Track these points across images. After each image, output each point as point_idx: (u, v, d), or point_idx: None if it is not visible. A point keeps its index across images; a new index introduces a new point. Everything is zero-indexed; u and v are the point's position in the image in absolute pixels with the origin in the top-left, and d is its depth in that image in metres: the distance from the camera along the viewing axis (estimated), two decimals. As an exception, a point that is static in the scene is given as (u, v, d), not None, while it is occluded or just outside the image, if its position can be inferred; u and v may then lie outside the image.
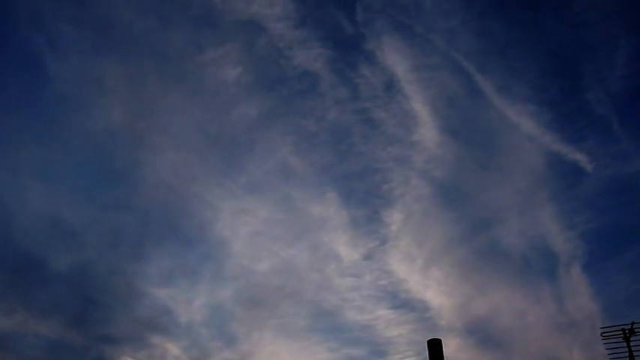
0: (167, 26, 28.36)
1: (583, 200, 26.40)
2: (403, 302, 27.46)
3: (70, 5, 27.94)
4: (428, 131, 27.19)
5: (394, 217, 28.41)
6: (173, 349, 25.56)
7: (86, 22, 28.18)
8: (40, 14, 27.54)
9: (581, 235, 25.82)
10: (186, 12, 28.43)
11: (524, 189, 26.65)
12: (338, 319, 28.18)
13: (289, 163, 29.26)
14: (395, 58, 26.93)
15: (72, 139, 28.82)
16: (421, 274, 27.93)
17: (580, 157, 25.15)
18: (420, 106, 27.25)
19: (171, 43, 28.50)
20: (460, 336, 25.59)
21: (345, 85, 28.25)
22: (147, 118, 29.00)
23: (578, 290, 25.38)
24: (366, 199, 29.23)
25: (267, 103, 29.18)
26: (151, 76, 28.64)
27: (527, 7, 26.23)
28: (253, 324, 27.56)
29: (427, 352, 9.39)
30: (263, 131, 29.34)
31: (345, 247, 28.99)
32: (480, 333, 25.86)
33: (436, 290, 27.56)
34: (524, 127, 25.15)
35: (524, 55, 26.44)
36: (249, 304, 28.25)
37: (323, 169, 30.12)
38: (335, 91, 28.36)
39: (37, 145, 28.22)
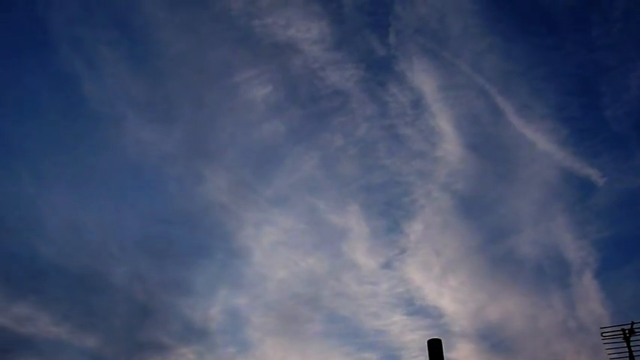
0: (205, 47, 30.30)
1: (595, 211, 27.75)
2: (418, 309, 28.39)
3: (108, 29, 29.76)
4: (451, 146, 28.81)
5: (414, 228, 29.59)
6: (189, 353, 26.45)
7: (124, 44, 29.91)
8: (79, 39, 29.39)
9: (593, 244, 26.93)
10: (225, 34, 30.32)
11: (539, 201, 28.19)
12: (353, 325, 29.05)
13: (315, 176, 30.93)
14: (423, 78, 28.72)
15: (106, 156, 30.82)
16: (437, 281, 28.91)
17: (592, 172, 26.74)
18: (444, 123, 28.98)
19: (207, 63, 30.36)
20: (473, 341, 26.58)
21: (374, 103, 30.11)
22: (177, 134, 30.70)
23: (589, 296, 26.37)
24: (387, 211, 30.62)
25: (297, 119, 31.04)
26: (185, 95, 30.41)
27: (549, 31, 28.21)
28: (268, 329, 28.45)
29: (427, 352, 9.41)
30: (291, 146, 31.11)
31: (364, 257, 30.06)
32: (492, 338, 26.80)
33: (451, 297, 28.49)
34: (540, 144, 26.91)
35: (545, 75, 28.08)
36: (265, 310, 29.20)
37: (347, 181, 31.53)
38: (365, 109, 30.23)
39: (86, 164, 30.41)
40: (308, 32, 29.11)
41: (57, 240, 27.77)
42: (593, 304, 25.84)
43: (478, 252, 29.45)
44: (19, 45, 30.39)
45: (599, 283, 26.67)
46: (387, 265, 29.70)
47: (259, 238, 30.54)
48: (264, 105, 30.66)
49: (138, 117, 30.34)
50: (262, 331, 28.34)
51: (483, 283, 29.52)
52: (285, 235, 30.87)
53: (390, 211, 30.65)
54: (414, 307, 28.61)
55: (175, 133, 30.90)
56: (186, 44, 30.43)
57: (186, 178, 30.70)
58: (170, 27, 29.76)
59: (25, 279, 25.47)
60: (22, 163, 29.68)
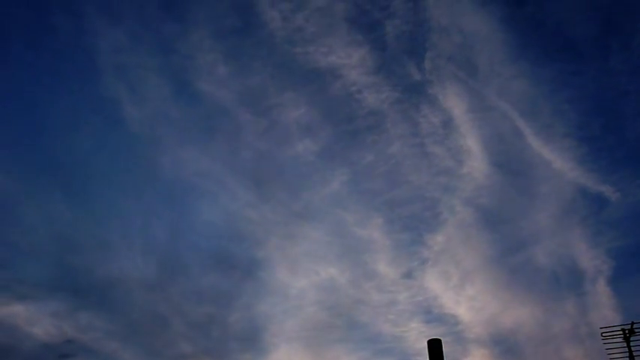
0: (245, 72, 32.57)
1: (608, 223, 29.50)
2: (435, 317, 29.60)
3: (153, 56, 31.97)
4: (477, 164, 31.02)
5: (436, 240, 31.21)
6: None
7: (167, 70, 32.08)
8: (123, 65, 31.42)
9: (607, 252, 28.40)
10: (266, 60, 32.54)
11: (555, 214, 30.25)
12: (371, 331, 30.17)
13: (344, 191, 32.91)
14: (454, 101, 31.18)
15: (144, 175, 33.12)
16: (455, 290, 30.36)
17: (605, 189, 28.75)
18: (472, 142, 31.32)
19: (246, 86, 32.57)
20: (486, 347, 27.85)
21: (407, 123, 32.42)
22: (212, 152, 33.29)
23: (602, 303, 27.43)
24: (411, 224, 32.39)
25: (330, 138, 33.37)
26: (221, 116, 32.75)
27: (573, 58, 30.82)
28: (285, 336, 29.34)
29: (427, 351, 9.41)
30: (323, 163, 33.25)
31: (386, 267, 31.64)
32: (505, 344, 27.99)
33: (467, 305, 29.92)
34: (556, 163, 29.54)
35: (568, 98, 30.34)
36: (283, 317, 30.27)
37: (374, 196, 33.59)
38: (397, 128, 32.62)
39: (127, 182, 32.68)
40: (348, 58, 31.47)
41: (119, 255, 29.98)
42: (606, 310, 26.76)
43: (496, 262, 31.21)
44: (66, 70, 32.55)
45: (612, 290, 27.82)
46: (407, 275, 31.18)
47: (285, 249, 32.37)
48: (297, 125, 32.97)
49: (175, 137, 32.85)
50: (280, 337, 29.26)
51: (499, 292, 31.11)
52: (311, 247, 32.74)
53: (413, 224, 32.40)
54: (432, 315, 29.82)
55: (211, 152, 33.39)
56: (227, 69, 32.59)
57: (220, 194, 33.03)
58: (213, 53, 31.89)
59: (91, 290, 27.80)
60: (93, 184, 32.38)
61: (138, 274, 29.66)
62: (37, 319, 25.74)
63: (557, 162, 29.42)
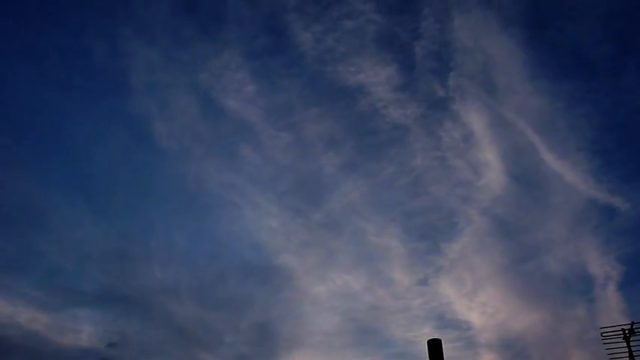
0: (273, 89, 34.08)
1: (619, 231, 30.65)
2: (448, 322, 30.51)
3: (183, 75, 33.64)
4: (495, 175, 32.43)
5: (452, 248, 32.32)
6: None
7: (197, 88, 33.56)
8: (155, 84, 33.57)
9: (617, 259, 29.28)
10: (295, 78, 34.19)
11: (567, 224, 31.60)
12: (384, 335, 31.11)
13: (363, 202, 34.40)
14: (474, 117, 32.98)
15: (169, 186, 35.14)
16: (468, 297, 31.39)
17: (615, 199, 29.99)
18: (490, 155, 32.87)
19: (273, 103, 34.13)
20: (496, 351, 28.97)
21: (430, 137, 34.00)
22: (236, 165, 34.87)
23: (611, 307, 28.31)
24: (428, 233, 33.70)
25: (353, 151, 35.07)
26: (248, 131, 34.34)
27: (588, 76, 32.63)
28: (296, 340, 30.67)
29: (427, 351, 9.94)
30: (346, 174, 34.67)
31: (401, 274, 32.80)
32: (515, 348, 28.84)
33: (479, 311, 30.87)
34: (567, 176, 31.10)
35: (583, 113, 31.79)
36: (296, 322, 31.63)
37: (393, 206, 34.93)
38: (420, 142, 34.16)
39: (157, 194, 34.78)
40: (376, 76, 33.31)
41: (167, 265, 32.03)
42: (615, 314, 27.73)
43: (509, 269, 32.26)
44: (98, 89, 34.63)
45: (621, 294, 28.63)
46: (422, 282, 32.15)
47: (304, 257, 33.82)
48: (321, 139, 34.61)
49: (201, 151, 34.54)
50: (290, 341, 30.45)
51: (511, 298, 32.05)
52: (328, 255, 34.24)
53: (430, 233, 33.68)
54: (444, 321, 30.72)
55: (235, 165, 35.00)
56: (255, 87, 34.12)
57: (244, 205, 34.48)
58: (242, 72, 33.60)
59: (133, 298, 29.67)
60: (117, 195, 34.23)
61: (173, 283, 31.26)
62: (83, 324, 27.66)
63: (570, 175, 30.82)
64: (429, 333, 29.57)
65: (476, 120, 33.12)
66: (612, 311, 27.24)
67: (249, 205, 34.13)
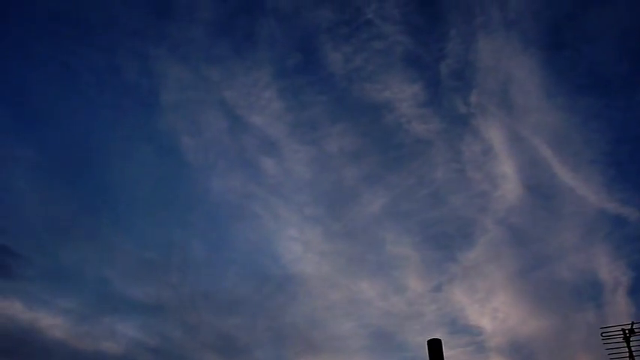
0: (300, 106, 35.62)
1: (629, 238, 31.90)
2: (460, 328, 31.46)
3: (211, 92, 35.08)
4: (511, 187, 34.38)
5: (467, 257, 33.75)
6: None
7: (223, 104, 35.03)
8: (183, 100, 34.85)
9: (627, 264, 30.52)
10: (321, 95, 35.84)
11: (579, 233, 33.31)
12: (397, 340, 32.12)
13: (383, 213, 35.94)
14: (494, 132, 35.30)
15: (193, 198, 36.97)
16: (480, 303, 32.66)
17: (624, 210, 31.41)
18: (507, 168, 34.81)
19: (298, 119, 35.67)
20: (505, 355, 30.15)
21: (450, 151, 35.78)
22: (259, 179, 36.13)
23: (620, 311, 29.19)
24: (444, 242, 35.09)
25: (376, 163, 36.66)
26: (272, 146, 35.78)
27: (602, 93, 34.20)
28: (307, 344, 31.30)
29: (427, 352, 9.29)
30: (367, 186, 36.35)
31: (415, 282, 33.99)
32: (523, 351, 29.97)
33: (490, 317, 32.21)
34: (581, 189, 32.91)
35: (597, 128, 33.57)
36: (307, 327, 32.40)
37: (411, 216, 36.24)
38: (441, 155, 35.92)
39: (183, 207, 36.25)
40: (402, 93, 35.03)
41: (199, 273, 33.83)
42: (624, 318, 28.73)
43: (521, 276, 33.88)
44: (128, 106, 35.99)
45: (631, 299, 29.62)
46: (436, 289, 33.39)
47: (321, 265, 35.28)
48: (343, 153, 36.29)
49: (226, 164, 36.30)
50: (301, 345, 31.24)
51: (522, 303, 33.61)
52: (346, 264, 35.62)
53: (446, 242, 35.16)
54: (456, 327, 31.74)
55: (257, 177, 36.28)
56: (281, 104, 35.49)
57: (264, 216, 35.96)
58: (270, 90, 34.98)
59: (176, 305, 31.45)
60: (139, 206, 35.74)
61: (202, 291, 32.78)
62: (123, 330, 28.88)
63: (583, 187, 32.93)
64: (440, 337, 30.00)
65: (495, 135, 35.35)
66: (621, 315, 29.14)
67: (270, 215, 35.74)
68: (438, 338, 9.33)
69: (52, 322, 27.58)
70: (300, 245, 35.40)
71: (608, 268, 30.60)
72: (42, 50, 34.55)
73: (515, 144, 34.66)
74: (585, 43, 34.33)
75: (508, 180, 34.70)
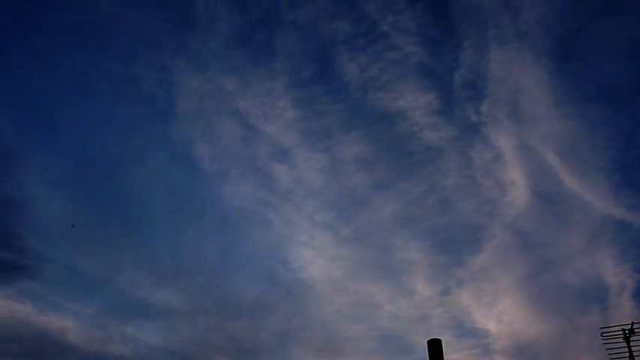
0: (314, 115, 36.37)
1: (634, 242, 32.35)
2: (466, 331, 32.01)
3: (227, 101, 36.05)
4: (520, 193, 35.08)
5: (475, 262, 34.23)
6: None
7: (238, 113, 35.69)
8: (200, 109, 35.72)
9: (633, 268, 31.01)
10: (336, 104, 36.50)
11: (585, 237, 33.93)
12: (405, 342, 32.56)
13: (393, 218, 36.84)
14: (504, 140, 36.16)
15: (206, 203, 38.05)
16: (487, 307, 33.33)
17: (629, 215, 31.95)
18: (517, 175, 35.59)
19: (313, 128, 36.46)
20: (510, 357, 30.72)
21: (461, 158, 36.63)
22: (272, 185, 36.45)
23: (625, 313, 29.82)
24: (452, 247, 35.70)
25: (388, 170, 37.55)
26: (284, 154, 36.20)
27: (610, 102, 35.18)
28: (314, 347, 31.73)
29: (427, 352, 9.37)
30: (378, 192, 36.98)
31: (423, 286, 34.59)
32: (528, 353, 30.37)
33: (496, 320, 32.77)
34: (587, 196, 33.64)
35: (605, 136, 34.40)
36: (315, 330, 32.89)
37: (421, 222, 36.99)
38: (452, 162, 36.79)
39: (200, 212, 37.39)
40: (415, 102, 35.93)
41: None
42: (628, 321, 28.42)
43: (528, 280, 34.44)
44: (146, 114, 37.05)
45: (636, 302, 29.93)
46: (443, 293, 33.96)
47: (330, 270, 36.01)
48: (355, 160, 36.98)
49: (239, 171, 37.17)
50: (307, 348, 31.63)
51: (528, 306, 34.21)
52: (355, 268, 36.46)
53: (455, 247, 35.80)
54: (463, 329, 32.25)
55: (269, 184, 36.99)
56: (295, 113, 36.32)
57: (276, 221, 36.67)
58: (285, 100, 35.68)
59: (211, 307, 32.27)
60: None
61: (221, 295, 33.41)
62: (146, 333, 30.13)
63: (589, 194, 33.81)
64: (447, 340, 30.53)
65: (505, 142, 36.14)
66: (626, 318, 28.75)
67: (282, 221, 36.53)
68: (438, 338, 9.39)
69: (64, 325, 28.61)
70: (310, 250, 36.09)
71: (613, 272, 31.11)
72: (61, 61, 35.64)
73: (524, 152, 35.56)
74: (594, 54, 35.28)
75: (517, 187, 35.46)
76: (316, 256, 36.18)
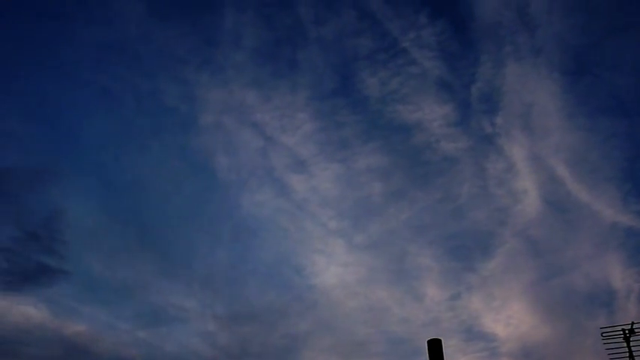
0: (332, 127, 37.46)
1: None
2: (475, 335, 32.71)
3: (248, 114, 36.80)
4: (531, 201, 36.01)
5: (486, 267, 34.90)
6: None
7: (257, 125, 36.52)
8: (220, 123, 36.58)
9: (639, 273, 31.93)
10: (357, 115, 37.77)
11: (593, 244, 34.73)
12: (414, 345, 32.35)
13: (407, 226, 37.37)
14: (516, 150, 37.21)
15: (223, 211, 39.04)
16: (496, 311, 34.00)
17: (636, 222, 32.85)
18: (528, 184, 36.52)
19: (331, 139, 37.45)
20: (516, 359, 31.41)
21: (475, 167, 37.63)
22: (288, 194, 37.12)
23: (632, 317, 30.01)
24: (463, 254, 36.33)
25: (403, 179, 38.42)
26: (301, 165, 37.10)
27: (621, 114, 35.97)
28: (325, 350, 32.47)
29: (427, 352, 9.37)
30: (395, 200, 37.45)
31: (434, 291, 35.13)
32: (534, 355, 31.03)
33: (504, 324, 33.40)
34: (595, 205, 34.66)
35: (615, 145, 35.17)
36: (324, 333, 33.77)
37: (434, 229, 37.63)
38: (467, 172, 37.74)
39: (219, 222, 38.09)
40: (433, 114, 36.89)
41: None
42: (629, 322, 29.15)
43: (537, 285, 35.22)
44: (167, 127, 38.32)
45: None
46: (453, 298, 34.63)
47: (342, 275, 36.77)
48: (370, 170, 37.68)
49: (257, 181, 37.85)
50: (319, 351, 32.31)
51: (536, 311, 34.78)
52: (367, 274, 37.08)
53: (466, 254, 36.49)
54: (472, 333, 32.90)
55: (286, 193, 37.67)
56: (314, 125, 37.32)
57: (291, 228, 37.61)
58: (304, 112, 36.82)
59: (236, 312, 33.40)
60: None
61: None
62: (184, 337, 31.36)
63: (597, 203, 34.84)
64: (455, 345, 31.34)
65: (517, 153, 37.17)
66: (631, 320, 29.11)
67: (296, 228, 37.46)
68: (438, 338, 9.36)
69: (77, 328, 29.52)
70: (324, 257, 36.84)
71: (620, 276, 31.84)
72: (85, 76, 36.72)
73: (535, 162, 36.69)
74: (606, 69, 36.32)
75: (528, 195, 36.49)
76: (330, 263, 37.04)
